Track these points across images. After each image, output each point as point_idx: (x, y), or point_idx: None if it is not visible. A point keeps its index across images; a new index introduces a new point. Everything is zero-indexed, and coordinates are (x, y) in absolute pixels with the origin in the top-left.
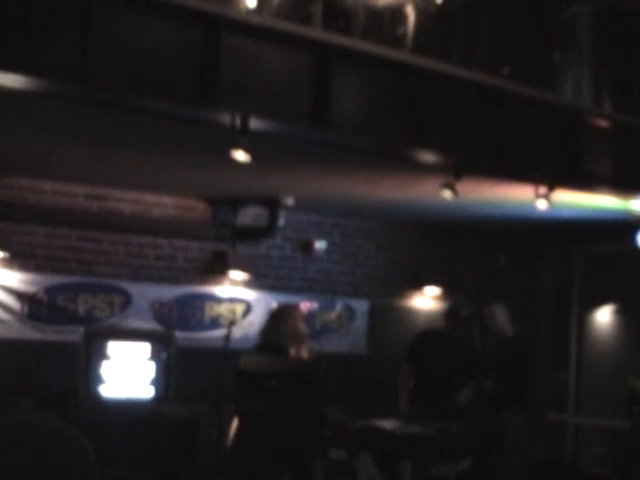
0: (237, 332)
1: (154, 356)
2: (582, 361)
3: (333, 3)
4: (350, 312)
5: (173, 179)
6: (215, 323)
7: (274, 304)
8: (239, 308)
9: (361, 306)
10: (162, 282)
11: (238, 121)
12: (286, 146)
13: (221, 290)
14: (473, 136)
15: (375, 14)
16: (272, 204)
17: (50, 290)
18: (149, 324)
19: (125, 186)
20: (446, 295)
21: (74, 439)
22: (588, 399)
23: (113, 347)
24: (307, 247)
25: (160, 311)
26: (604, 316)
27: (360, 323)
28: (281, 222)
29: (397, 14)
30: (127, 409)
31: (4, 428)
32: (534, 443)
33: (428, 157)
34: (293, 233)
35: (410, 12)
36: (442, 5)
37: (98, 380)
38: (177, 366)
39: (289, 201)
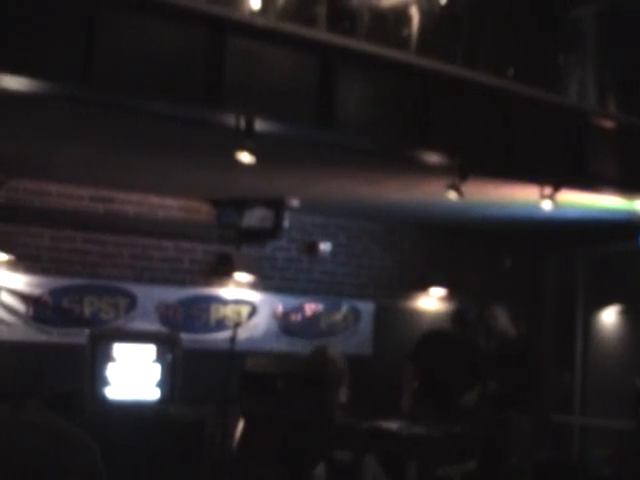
0: (242, 334)
1: (159, 358)
2: (588, 362)
3: (337, 4)
4: (355, 313)
5: (178, 181)
6: (220, 325)
7: (279, 306)
8: (244, 310)
9: (366, 307)
10: (167, 284)
11: (243, 123)
12: (291, 148)
13: (226, 292)
14: (478, 137)
15: (379, 15)
16: (277, 206)
17: (55, 292)
18: (154, 326)
19: (130, 188)
20: (451, 296)
21: (81, 440)
22: (594, 400)
23: (119, 349)
24: (312, 249)
25: (165, 313)
26: (609, 316)
27: (365, 324)
28: (286, 224)
29: (401, 15)
30: (133, 411)
31: (11, 429)
32: (539, 444)
33: (433, 158)
34: (298, 235)
35: (414, 13)
36: (446, 6)
37: (104, 382)
38: (182, 368)
39: (294, 203)
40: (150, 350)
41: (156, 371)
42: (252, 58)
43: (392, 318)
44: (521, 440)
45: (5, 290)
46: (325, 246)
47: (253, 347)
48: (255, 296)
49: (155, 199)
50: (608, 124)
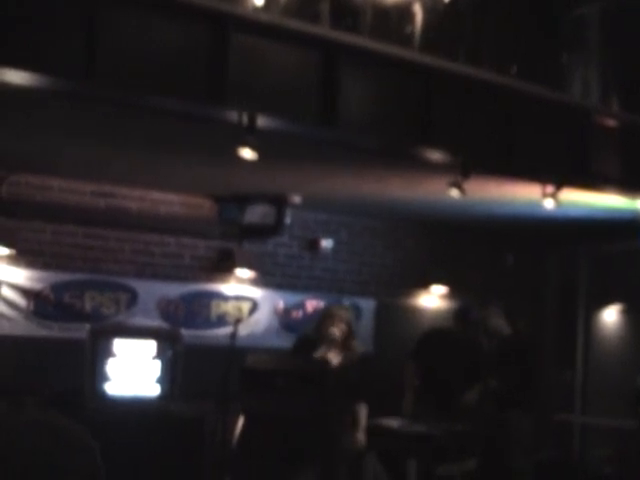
0: (243, 330)
1: (160, 354)
2: (589, 361)
3: (341, 1)
4: (357, 311)
5: (180, 177)
6: (221, 321)
7: (281, 302)
8: (245, 306)
9: (368, 305)
10: (169, 280)
11: (245, 119)
12: (293, 144)
13: (228, 288)
14: (480, 135)
15: (383, 12)
16: (279, 202)
17: (56, 287)
18: (155, 322)
19: (132, 184)
20: (453, 294)
21: (80, 438)
22: (595, 399)
23: (119, 345)
24: (314, 245)
25: (166, 309)
26: (611, 315)
27: (367, 322)
28: (288, 220)
29: (405, 12)
30: (133, 407)
31: (11, 427)
32: (540, 443)
33: (435, 156)
34: (300, 231)
35: (418, 10)
36: (450, 4)
37: (104, 378)
38: (183, 364)
39: (296, 199)
40: (151, 346)
41: (156, 367)
42: (255, 54)
43: (393, 316)
44: (521, 439)
45: (6, 284)
46: (326, 243)
47: (254, 343)
48: (256, 292)
49: (157, 195)
50: (611, 123)
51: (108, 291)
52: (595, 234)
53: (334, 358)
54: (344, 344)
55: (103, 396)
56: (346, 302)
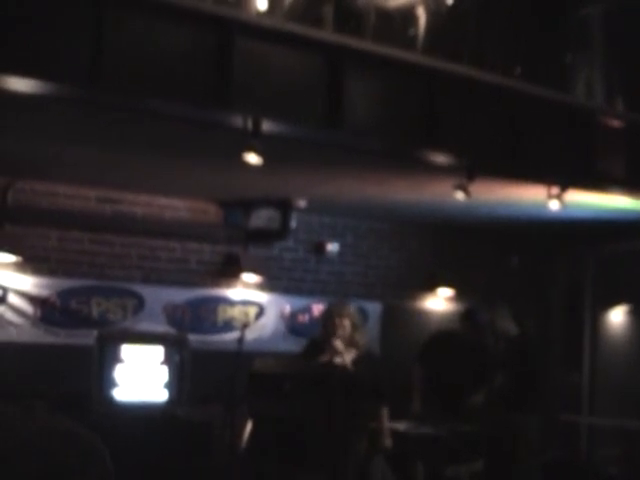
0: (250, 334)
1: (167, 359)
2: (595, 361)
3: (344, 5)
4: (363, 314)
5: (185, 182)
6: (228, 326)
7: (287, 306)
8: (252, 310)
9: (374, 308)
10: (175, 285)
11: (250, 124)
12: (298, 148)
13: (234, 293)
14: (485, 137)
15: (386, 15)
16: (284, 206)
17: (63, 293)
18: (162, 327)
19: (137, 189)
20: (459, 296)
21: (91, 443)
22: (602, 400)
23: (126, 350)
24: (319, 249)
25: (173, 314)
26: (617, 316)
27: (373, 325)
28: (293, 224)
29: (408, 15)
30: (141, 412)
31: (21, 432)
32: (547, 444)
33: (440, 158)
34: (305, 235)
35: (421, 13)
36: (453, 6)
37: (112, 383)
38: (190, 369)
39: (301, 203)
40: (158, 351)
41: (164, 372)
42: (259, 59)
43: (399, 318)
44: (528, 440)
45: (13, 291)
46: (332, 246)
47: (261, 348)
48: (262, 297)
49: (162, 200)
50: (616, 123)
51: (114, 297)
52: (601, 235)
53: (347, 356)
54: (350, 340)
55: (111, 401)
56: (352, 304)
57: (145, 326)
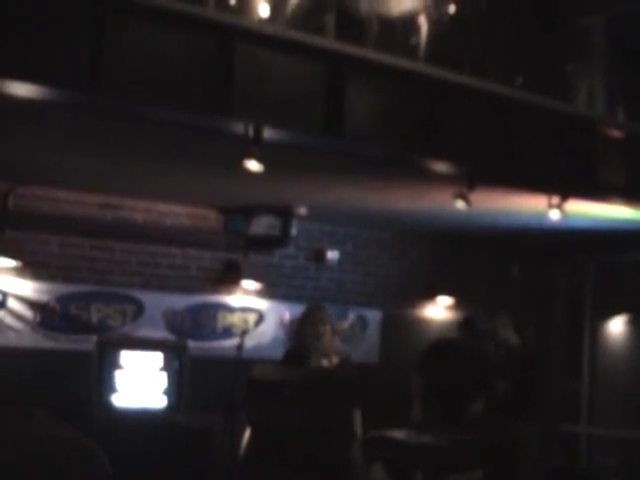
0: (250, 341)
1: (167, 366)
2: (595, 371)
3: (346, 13)
4: (363, 322)
5: (186, 188)
6: (228, 332)
7: (287, 314)
8: (252, 317)
9: (374, 316)
10: (175, 291)
11: (251, 131)
12: (299, 156)
13: (233, 299)
14: (486, 145)
15: (388, 24)
16: (285, 214)
17: (63, 299)
18: (161, 333)
19: (138, 195)
20: (459, 305)
21: (90, 450)
22: (601, 409)
23: (126, 356)
24: (319, 256)
25: (172, 320)
26: (617, 326)
27: (373, 333)
28: (294, 231)
29: (410, 24)
30: (140, 419)
31: (23, 439)
32: (547, 453)
33: (441, 167)
34: (306, 243)
35: (423, 22)
36: (455, 15)
37: (111, 389)
38: (190, 375)
39: (302, 211)
40: (157, 358)
41: (163, 379)
42: (261, 66)
43: (399, 327)
44: (528, 449)
45: (13, 296)
46: (332, 254)
47: (260, 355)
48: (262, 304)
49: (163, 206)
50: (616, 133)
51: (114, 303)
52: (601, 245)
53: (329, 362)
54: (330, 345)
55: (110, 407)
56: (352, 313)
57: (144, 332)
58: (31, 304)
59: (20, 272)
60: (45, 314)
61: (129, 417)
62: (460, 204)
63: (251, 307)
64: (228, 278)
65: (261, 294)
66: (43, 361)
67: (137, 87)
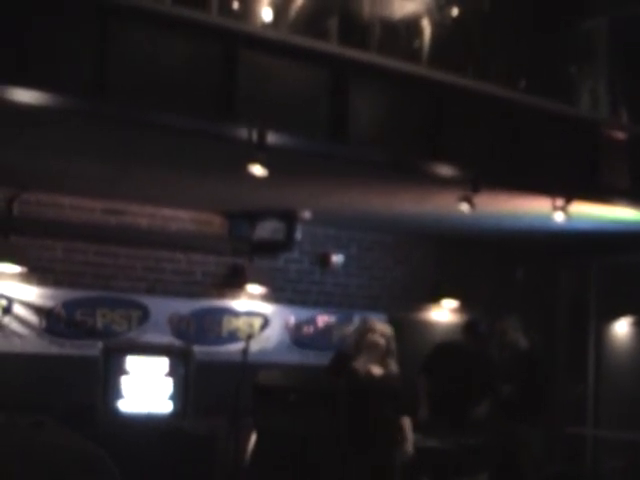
0: (255, 346)
1: (172, 371)
2: (600, 373)
3: (349, 17)
4: None
5: (190, 194)
6: (233, 337)
7: (292, 318)
8: (257, 322)
9: (378, 319)
10: (180, 296)
11: (255, 136)
12: (303, 160)
13: (239, 304)
14: (489, 149)
15: (391, 28)
16: (289, 218)
17: (68, 304)
18: (167, 338)
19: (142, 201)
20: (464, 308)
21: (100, 460)
22: (607, 411)
23: (132, 362)
24: (324, 260)
25: (178, 325)
26: (622, 328)
27: None
28: (298, 236)
29: (413, 28)
30: (146, 424)
31: (29, 448)
32: (552, 456)
33: (445, 170)
34: (311, 247)
35: (426, 25)
36: (458, 18)
37: (117, 395)
38: (195, 380)
39: (306, 215)
40: (163, 363)
41: (169, 384)
42: (264, 71)
43: (405, 330)
44: (533, 452)
45: (18, 302)
46: (337, 258)
47: (265, 359)
48: (267, 308)
49: (167, 211)
50: (620, 135)
51: (119, 308)
52: (605, 246)
53: (375, 369)
54: (383, 360)
55: (116, 413)
56: (357, 317)
57: (150, 337)
58: (36, 310)
59: (25, 278)
60: (50, 320)
61: (135, 422)
62: (464, 207)
63: (256, 311)
64: (233, 283)
65: (266, 298)
66: (48, 367)
67: (141, 93)
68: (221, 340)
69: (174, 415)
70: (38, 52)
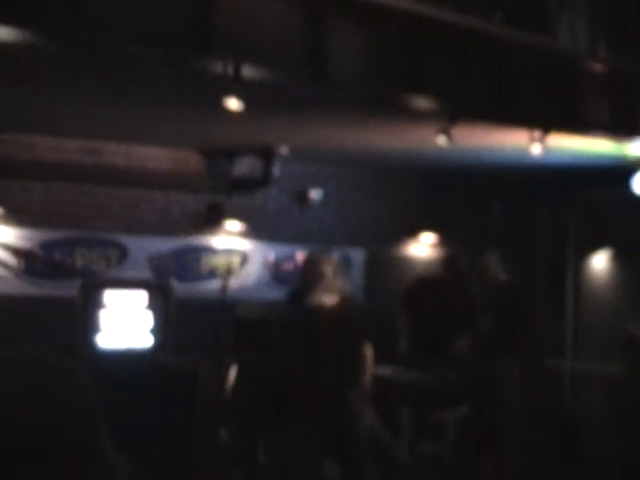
0: (234, 283)
1: (152, 305)
2: (579, 307)
3: None
4: (346, 261)
5: (167, 131)
6: (212, 274)
7: (271, 254)
8: (236, 259)
9: (357, 255)
10: (158, 235)
11: (231, 69)
12: (281, 95)
13: (218, 241)
14: (468, 81)
15: None
16: (267, 154)
17: (46, 245)
18: (146, 277)
19: (119, 140)
20: (442, 242)
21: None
22: (585, 345)
23: (110, 296)
24: (303, 197)
25: (157, 264)
26: (600, 262)
27: (356, 272)
28: (276, 172)
29: None
30: (125, 359)
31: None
32: (531, 390)
33: (423, 103)
34: (289, 183)
35: None
36: None
37: (95, 329)
38: (176, 317)
39: (284, 151)
40: (142, 297)
41: (149, 318)
42: (241, 4)
43: (383, 265)
44: (512, 386)
45: None
46: (316, 194)
47: (245, 296)
48: (246, 245)
49: (144, 150)
50: (599, 68)
51: (98, 248)
52: (584, 181)
53: (329, 300)
54: (331, 287)
55: (96, 348)
56: (335, 253)
57: (129, 275)
58: (15, 251)
59: (3, 219)
60: (29, 261)
61: (115, 357)
62: (442, 140)
63: (235, 249)
64: (211, 220)
65: (244, 235)
66: (27, 307)
67: (117, 27)
68: (201, 277)
69: (154, 349)
70: None
